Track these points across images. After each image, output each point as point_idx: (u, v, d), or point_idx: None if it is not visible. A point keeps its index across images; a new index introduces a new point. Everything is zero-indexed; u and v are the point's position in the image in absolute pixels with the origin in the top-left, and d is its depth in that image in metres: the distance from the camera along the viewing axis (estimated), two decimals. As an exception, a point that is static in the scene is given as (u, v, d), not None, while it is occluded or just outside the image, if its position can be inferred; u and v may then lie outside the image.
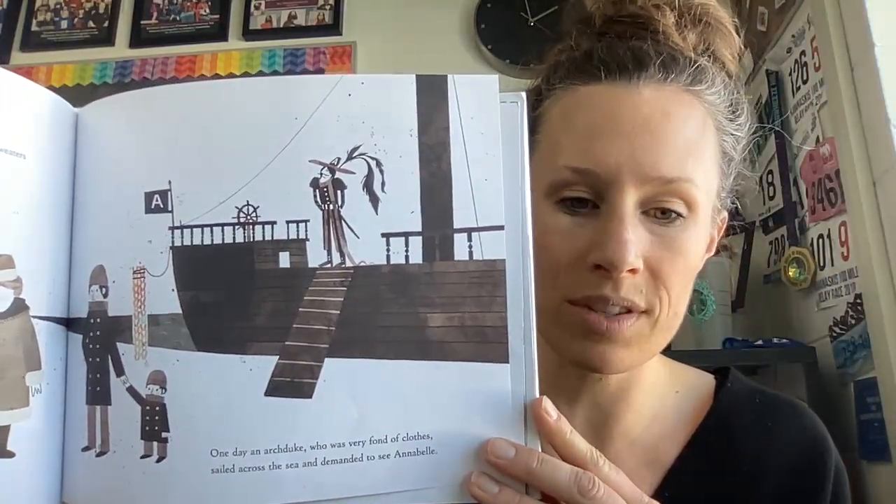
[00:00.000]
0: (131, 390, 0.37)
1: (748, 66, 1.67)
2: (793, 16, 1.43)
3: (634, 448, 0.57)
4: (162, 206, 0.37)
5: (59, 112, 0.39)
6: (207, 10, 2.13)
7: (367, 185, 0.38)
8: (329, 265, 0.37)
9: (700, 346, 1.39)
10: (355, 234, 0.37)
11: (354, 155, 0.38)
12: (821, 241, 1.33)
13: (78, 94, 2.07)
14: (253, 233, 0.37)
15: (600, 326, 0.49)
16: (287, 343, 0.37)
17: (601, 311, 0.49)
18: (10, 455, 0.35)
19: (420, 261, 0.38)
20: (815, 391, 1.27)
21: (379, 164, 0.38)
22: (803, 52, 1.39)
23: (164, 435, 0.36)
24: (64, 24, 2.17)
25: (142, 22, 2.14)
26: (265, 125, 0.38)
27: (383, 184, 0.38)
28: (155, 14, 2.15)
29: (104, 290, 0.38)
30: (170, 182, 0.37)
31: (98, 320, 0.38)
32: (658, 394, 0.60)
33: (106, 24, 2.15)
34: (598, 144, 0.49)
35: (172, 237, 0.37)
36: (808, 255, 1.36)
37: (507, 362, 0.38)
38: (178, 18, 2.14)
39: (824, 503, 0.57)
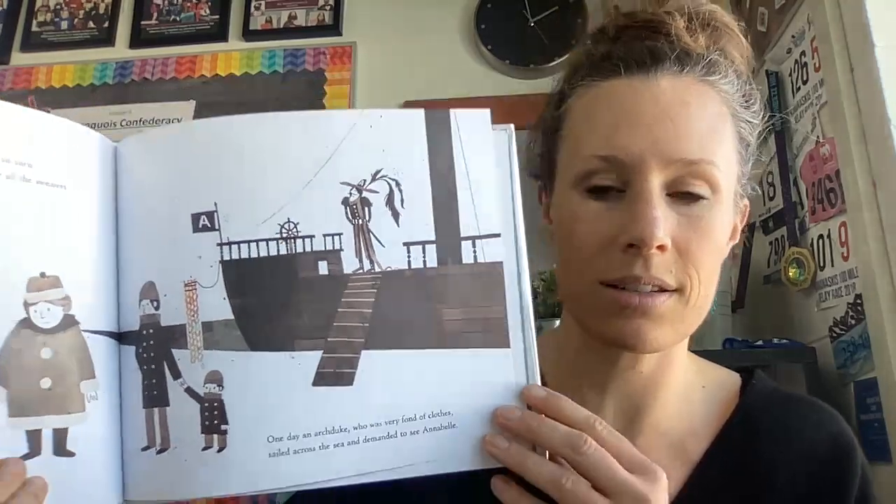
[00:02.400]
0: (189, 391, 0.42)
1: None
2: (793, 16, 1.43)
3: (663, 441, 0.59)
4: (209, 225, 0.43)
5: (98, 146, 0.44)
6: (207, 11, 2.13)
7: (389, 202, 0.45)
8: (361, 271, 0.44)
9: (700, 346, 1.39)
10: (381, 243, 0.44)
11: (377, 177, 0.45)
12: (821, 241, 1.33)
13: (78, 94, 2.07)
14: (294, 246, 0.43)
15: (634, 301, 0.51)
16: (329, 339, 0.43)
17: (633, 290, 0.51)
18: (71, 454, 0.40)
19: (435, 265, 0.45)
20: (815, 391, 1.27)
21: (398, 184, 0.45)
22: (803, 53, 1.39)
23: (223, 427, 0.41)
24: (64, 25, 2.17)
25: (142, 22, 2.14)
26: (300, 153, 0.44)
27: (402, 201, 0.45)
28: (155, 14, 2.15)
29: (155, 303, 0.43)
30: (215, 204, 0.43)
31: (151, 331, 0.43)
32: (685, 389, 0.61)
33: (106, 24, 2.15)
34: (621, 133, 0.52)
35: (221, 252, 0.43)
36: (808, 256, 1.36)
37: (509, 347, 0.46)
38: (178, 19, 2.14)
39: (850, 502, 0.57)
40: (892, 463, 1.09)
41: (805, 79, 1.39)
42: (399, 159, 0.46)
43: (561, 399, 0.46)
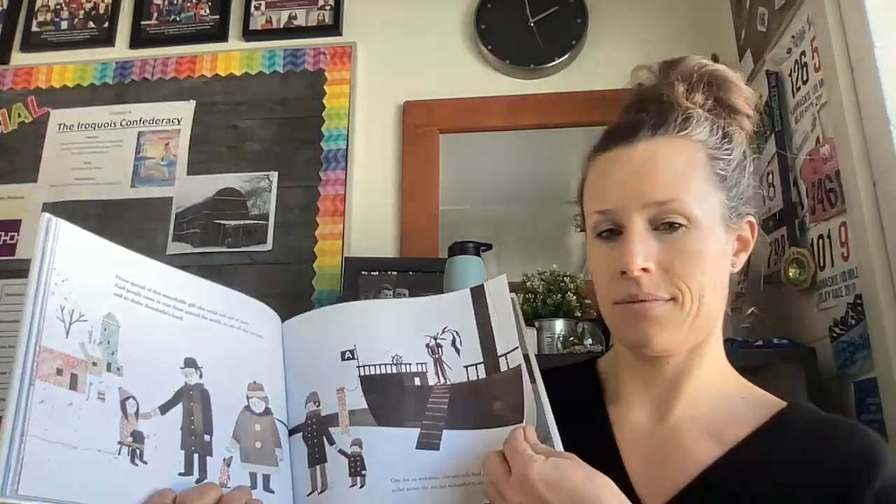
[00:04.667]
0: (341, 451, 0.66)
1: (748, 67, 1.67)
2: (793, 16, 1.43)
3: (698, 424, 0.71)
4: (351, 357, 0.70)
5: (272, 316, 0.73)
6: (207, 11, 2.13)
7: (453, 344, 0.71)
8: (439, 384, 0.70)
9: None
10: (450, 367, 0.70)
11: (445, 331, 0.72)
12: (821, 241, 1.33)
13: (78, 94, 2.07)
14: (401, 368, 0.70)
15: (635, 309, 0.68)
16: (423, 421, 0.67)
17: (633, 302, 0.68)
18: (272, 492, 0.63)
19: (484, 376, 0.70)
20: (815, 391, 1.27)
21: (458, 333, 0.72)
22: (803, 53, 1.39)
23: (363, 472, 0.65)
24: (64, 25, 2.17)
25: (142, 22, 2.15)
26: (405, 319, 0.73)
27: (461, 342, 0.71)
28: (155, 14, 2.15)
29: (317, 403, 0.68)
30: (354, 345, 0.70)
31: (314, 420, 0.67)
32: (723, 390, 0.74)
33: (106, 24, 2.16)
34: (609, 191, 0.70)
35: (359, 372, 0.69)
36: (808, 256, 1.36)
37: (522, 422, 0.67)
38: (178, 19, 2.14)
39: None
40: (892, 463, 1.09)
41: (805, 79, 1.39)
42: (457, 318, 0.72)
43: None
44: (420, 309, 0.73)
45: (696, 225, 0.67)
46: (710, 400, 0.72)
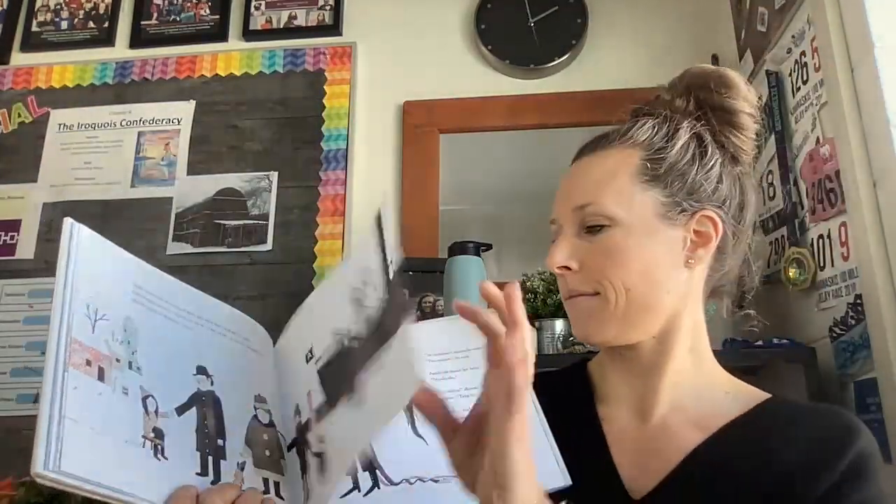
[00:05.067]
0: (314, 453, 0.62)
1: (748, 67, 1.67)
2: (793, 16, 1.43)
3: (681, 415, 0.74)
4: (311, 355, 0.67)
5: (264, 334, 0.73)
6: (207, 11, 2.13)
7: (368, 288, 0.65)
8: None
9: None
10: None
11: (365, 284, 0.64)
12: (821, 241, 1.33)
13: (78, 94, 2.07)
14: (342, 342, 0.64)
15: (569, 305, 0.75)
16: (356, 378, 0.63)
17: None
18: (282, 499, 0.63)
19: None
20: (815, 392, 1.27)
21: (369, 280, 0.65)
22: (803, 53, 1.39)
23: (327, 466, 0.62)
24: (64, 25, 2.17)
25: (142, 22, 2.14)
26: (341, 292, 0.67)
27: (374, 286, 0.65)
28: (155, 14, 2.15)
29: (298, 413, 0.66)
30: (311, 344, 0.68)
31: (299, 431, 0.65)
32: (707, 384, 0.76)
33: (106, 24, 2.15)
34: (555, 202, 0.78)
35: (317, 367, 0.66)
36: (808, 256, 1.36)
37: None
38: (178, 19, 2.14)
39: (826, 480, 0.64)
40: (893, 463, 1.09)
41: (805, 79, 1.39)
42: (372, 266, 0.65)
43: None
44: (350, 275, 0.67)
45: (617, 224, 0.72)
46: (693, 395, 0.75)
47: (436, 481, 0.67)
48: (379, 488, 0.65)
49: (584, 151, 0.79)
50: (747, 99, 0.77)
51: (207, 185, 1.95)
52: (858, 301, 1.19)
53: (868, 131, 1.19)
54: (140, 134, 2.02)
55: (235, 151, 1.97)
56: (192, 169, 1.97)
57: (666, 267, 0.72)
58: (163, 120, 2.02)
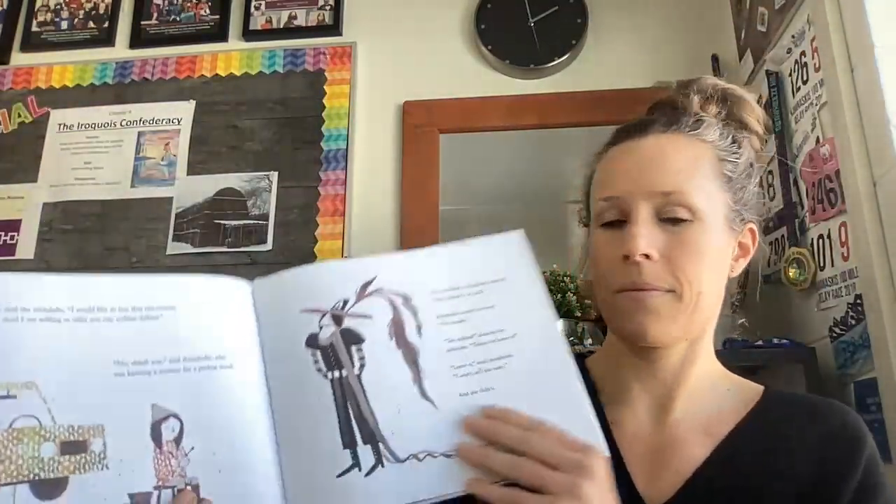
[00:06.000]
0: None
1: (748, 67, 1.67)
2: (793, 16, 1.43)
3: (694, 422, 0.72)
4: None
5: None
6: (207, 11, 2.13)
7: None
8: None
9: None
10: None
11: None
12: (821, 241, 1.33)
13: (78, 94, 2.07)
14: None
15: (633, 298, 0.68)
16: None
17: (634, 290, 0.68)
18: None
19: None
20: (815, 392, 1.27)
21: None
22: (803, 53, 1.39)
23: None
24: (64, 25, 2.17)
25: (142, 22, 2.14)
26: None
27: None
28: (155, 14, 2.15)
29: None
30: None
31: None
32: (712, 385, 0.75)
33: (106, 24, 2.15)
34: (617, 178, 0.71)
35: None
36: (808, 256, 1.36)
37: None
38: (178, 19, 2.14)
39: (848, 490, 0.65)
40: (893, 463, 1.09)
41: (805, 79, 1.39)
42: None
43: (507, 411, 0.57)
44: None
45: (699, 219, 0.68)
46: (702, 397, 0.74)
47: (448, 456, 0.56)
48: (383, 466, 0.55)
49: (650, 126, 0.73)
50: (760, 122, 0.78)
51: (207, 185, 1.95)
52: (858, 301, 1.19)
53: (868, 131, 1.19)
54: (140, 134, 2.02)
55: (235, 151, 1.97)
56: (192, 169, 1.97)
57: (723, 274, 0.72)
58: (163, 120, 2.02)
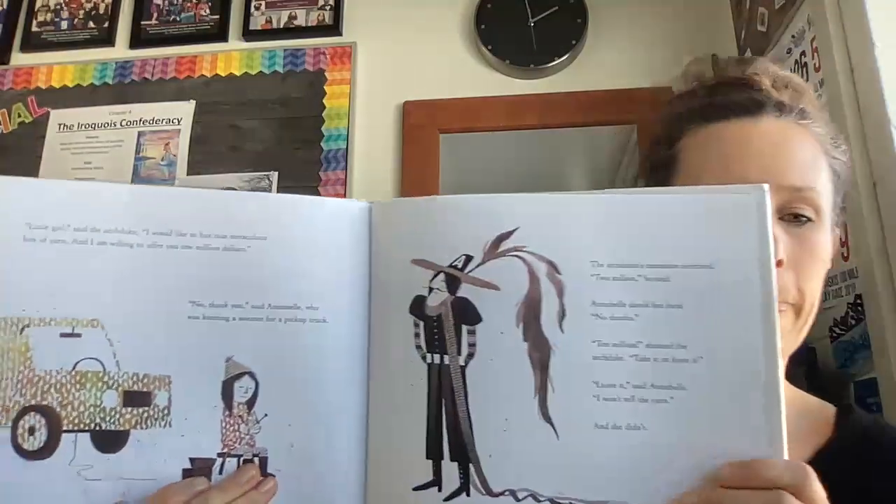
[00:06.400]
0: None
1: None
2: (793, 16, 1.43)
3: None
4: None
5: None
6: (207, 11, 2.13)
7: None
8: None
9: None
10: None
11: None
12: (821, 241, 1.33)
13: (78, 94, 2.07)
14: None
15: None
16: None
17: None
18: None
19: None
20: (815, 392, 1.27)
21: None
22: (803, 53, 1.39)
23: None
24: (64, 25, 2.17)
25: (142, 22, 2.14)
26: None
27: None
28: (155, 14, 2.15)
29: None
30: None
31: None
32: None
33: (106, 24, 2.15)
34: (736, 164, 0.60)
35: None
36: (808, 256, 1.36)
37: None
38: (178, 19, 2.14)
39: None
40: (892, 463, 1.09)
41: (805, 79, 1.39)
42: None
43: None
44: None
45: (821, 220, 0.61)
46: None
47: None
48: (468, 495, 0.43)
49: (761, 107, 0.63)
50: (823, 116, 0.71)
51: (207, 185, 1.95)
52: (858, 301, 1.19)
53: (868, 131, 1.18)
54: (140, 134, 2.02)
55: (235, 151, 1.97)
56: (192, 169, 1.97)
57: None
58: (163, 120, 2.02)
